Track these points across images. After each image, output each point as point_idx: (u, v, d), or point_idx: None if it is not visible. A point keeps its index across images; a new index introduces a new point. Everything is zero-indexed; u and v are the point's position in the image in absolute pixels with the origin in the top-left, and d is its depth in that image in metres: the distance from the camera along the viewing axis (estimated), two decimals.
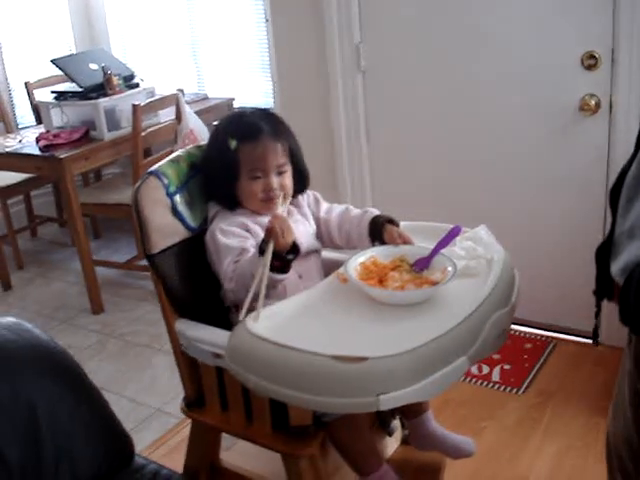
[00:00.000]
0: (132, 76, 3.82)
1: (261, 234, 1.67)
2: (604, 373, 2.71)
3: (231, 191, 1.74)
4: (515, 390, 2.72)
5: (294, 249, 1.60)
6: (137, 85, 3.81)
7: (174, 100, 3.57)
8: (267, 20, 3.33)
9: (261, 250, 1.56)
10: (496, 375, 2.82)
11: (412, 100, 3.08)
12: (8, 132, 4.18)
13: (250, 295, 1.51)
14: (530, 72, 2.76)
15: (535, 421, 2.56)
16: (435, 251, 1.63)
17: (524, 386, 2.75)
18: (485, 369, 2.86)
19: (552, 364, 2.88)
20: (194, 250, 1.74)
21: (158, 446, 2.60)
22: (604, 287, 1.33)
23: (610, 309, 1.29)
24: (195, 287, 1.73)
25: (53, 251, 4.54)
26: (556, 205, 2.88)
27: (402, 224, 1.79)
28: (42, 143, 3.48)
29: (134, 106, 3.36)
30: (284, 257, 1.57)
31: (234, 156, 1.70)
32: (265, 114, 1.80)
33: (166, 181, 1.67)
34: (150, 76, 4.38)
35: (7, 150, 3.52)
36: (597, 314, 1.48)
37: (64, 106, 3.57)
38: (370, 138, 3.25)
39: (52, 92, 3.70)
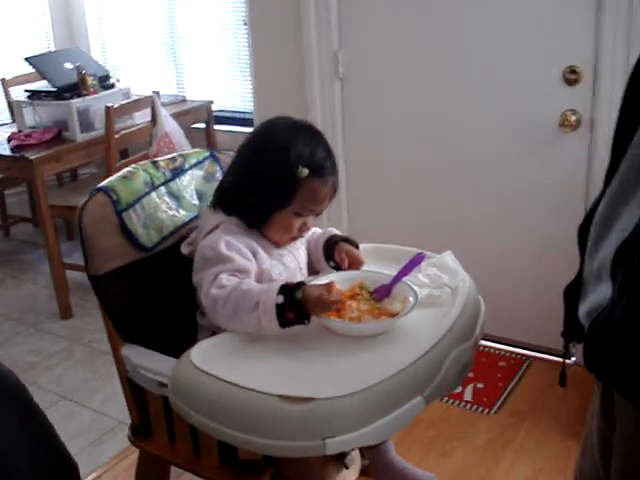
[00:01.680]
0: (107, 76, 3.72)
1: (265, 261, 1.57)
2: (578, 394, 2.62)
3: (265, 214, 1.56)
4: (487, 410, 2.64)
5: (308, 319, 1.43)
6: (112, 86, 3.70)
7: (149, 102, 3.47)
8: (245, 23, 3.23)
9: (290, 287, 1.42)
10: (468, 394, 2.74)
11: (390, 110, 2.98)
12: None
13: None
14: (510, 85, 2.67)
15: (507, 442, 2.48)
16: (396, 279, 1.54)
17: (497, 406, 2.67)
18: (457, 388, 2.77)
19: (526, 383, 2.80)
20: (147, 272, 1.64)
21: (121, 459, 2.51)
22: (573, 329, 1.25)
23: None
24: (147, 311, 1.63)
25: (26, 252, 4.42)
26: (534, 221, 2.80)
27: (363, 246, 1.71)
28: (13, 143, 3.37)
29: (107, 108, 3.25)
30: (303, 319, 1.40)
31: (295, 184, 1.52)
32: (327, 146, 1.61)
33: (115, 197, 1.56)
34: (129, 77, 4.29)
35: None
36: (564, 356, 1.40)
37: (37, 105, 3.47)
38: (346, 148, 3.15)
39: (25, 91, 3.59)
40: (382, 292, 1.53)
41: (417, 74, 2.87)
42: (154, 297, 1.63)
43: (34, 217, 4.46)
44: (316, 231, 1.77)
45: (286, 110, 3.28)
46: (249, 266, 1.52)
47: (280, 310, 1.38)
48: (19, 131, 3.49)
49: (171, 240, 1.68)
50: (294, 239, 1.62)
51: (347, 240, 1.68)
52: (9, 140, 3.42)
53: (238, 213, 1.58)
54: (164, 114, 3.52)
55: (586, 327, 1.08)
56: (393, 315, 1.45)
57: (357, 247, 1.68)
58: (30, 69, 3.70)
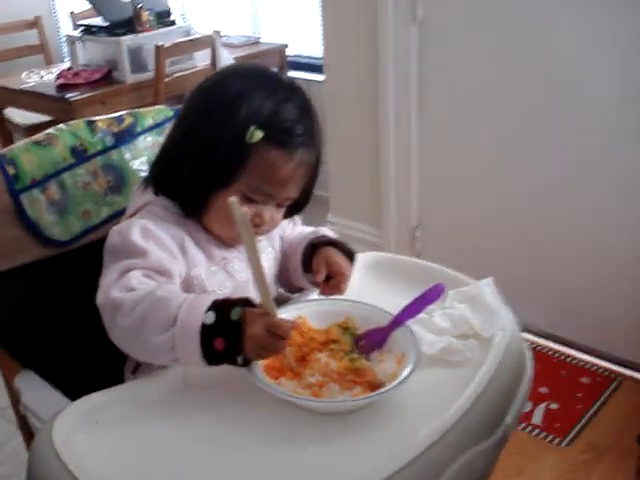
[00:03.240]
0: (167, 12, 3.23)
1: (200, 265, 1.06)
2: None
3: (202, 193, 1.05)
4: (558, 440, 2.04)
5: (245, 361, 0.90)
6: (172, 23, 3.22)
7: (209, 42, 2.97)
8: None
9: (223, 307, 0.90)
10: (538, 416, 2.14)
11: (478, 67, 2.32)
12: (48, 64, 3.71)
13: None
14: (626, 36, 1.98)
15: None
16: (398, 320, 0.98)
17: (571, 435, 2.06)
18: (526, 405, 2.17)
19: (612, 409, 2.16)
20: (60, 274, 1.14)
21: None
22: None
23: None
24: (54, 330, 1.14)
25: None
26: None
27: (364, 256, 1.16)
28: (59, 82, 2.99)
29: (157, 47, 2.80)
30: (235, 353, 0.89)
31: (242, 152, 1.00)
32: (305, 106, 1.06)
33: (12, 172, 1.07)
34: (204, 16, 3.80)
35: (22, 87, 3.04)
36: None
37: (87, 41, 3.04)
38: (422, 106, 2.54)
39: (78, 25, 3.17)
40: (373, 339, 0.98)
41: (516, 20, 2.19)
42: (67, 310, 1.14)
43: None
44: (302, 231, 1.23)
45: (356, 59, 2.78)
46: (171, 265, 1.00)
47: (207, 334, 0.87)
48: (69, 69, 3.09)
49: (102, 232, 1.15)
50: None
51: (337, 245, 1.13)
52: (57, 78, 3.03)
53: (169, 192, 1.07)
54: (225, 56, 3.03)
55: None
56: (375, 386, 0.90)
57: (352, 257, 1.12)
58: None
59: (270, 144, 0.99)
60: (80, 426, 0.85)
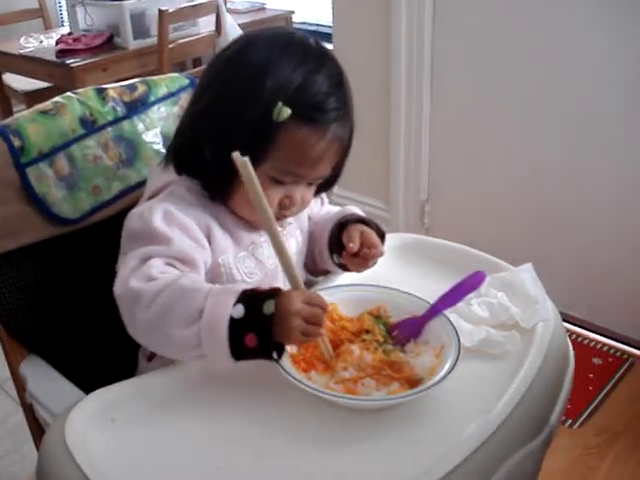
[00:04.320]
0: None
1: (227, 251, 0.97)
2: None
3: (226, 176, 0.92)
4: (570, 422, 1.99)
5: (281, 350, 0.83)
6: None
7: (213, 8, 2.86)
8: None
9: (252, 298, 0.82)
10: None
11: (495, 35, 2.22)
12: (47, 28, 3.59)
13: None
14: None
15: (590, 470, 1.84)
16: (435, 310, 0.91)
17: (582, 418, 2.01)
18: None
19: (625, 390, 2.11)
20: (68, 255, 1.06)
21: None
22: None
23: None
24: (64, 314, 1.06)
25: None
26: None
27: (392, 236, 1.09)
28: (59, 47, 2.88)
29: (160, 11, 2.69)
30: (269, 349, 0.81)
31: (269, 131, 0.90)
32: (335, 76, 0.94)
33: (18, 144, 0.98)
34: None
35: (21, 52, 2.92)
36: None
37: (88, 5, 2.91)
38: (435, 77, 2.44)
39: None
40: (408, 329, 0.91)
41: None
42: (76, 292, 1.06)
43: None
44: (330, 210, 1.15)
45: (367, 27, 2.67)
46: (195, 254, 0.91)
47: (236, 329, 0.79)
48: (69, 34, 2.98)
49: (114, 208, 1.09)
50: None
51: (366, 223, 1.05)
52: (57, 44, 2.91)
53: (193, 172, 0.97)
54: (230, 23, 2.91)
55: None
56: (413, 382, 0.83)
57: (382, 237, 1.04)
58: None
59: (299, 122, 0.89)
60: (95, 424, 0.78)
